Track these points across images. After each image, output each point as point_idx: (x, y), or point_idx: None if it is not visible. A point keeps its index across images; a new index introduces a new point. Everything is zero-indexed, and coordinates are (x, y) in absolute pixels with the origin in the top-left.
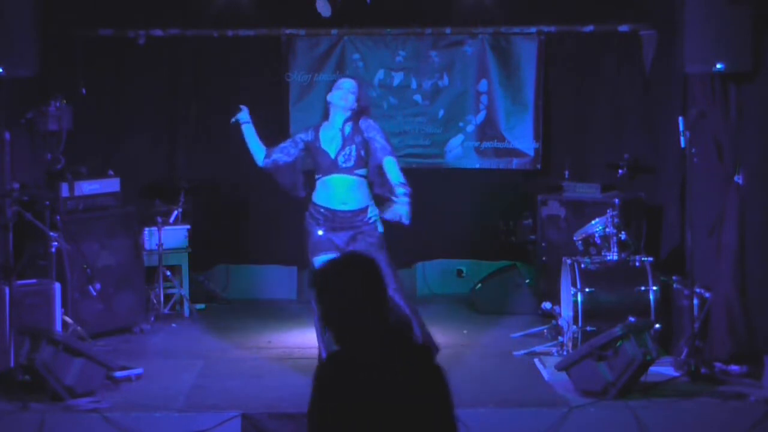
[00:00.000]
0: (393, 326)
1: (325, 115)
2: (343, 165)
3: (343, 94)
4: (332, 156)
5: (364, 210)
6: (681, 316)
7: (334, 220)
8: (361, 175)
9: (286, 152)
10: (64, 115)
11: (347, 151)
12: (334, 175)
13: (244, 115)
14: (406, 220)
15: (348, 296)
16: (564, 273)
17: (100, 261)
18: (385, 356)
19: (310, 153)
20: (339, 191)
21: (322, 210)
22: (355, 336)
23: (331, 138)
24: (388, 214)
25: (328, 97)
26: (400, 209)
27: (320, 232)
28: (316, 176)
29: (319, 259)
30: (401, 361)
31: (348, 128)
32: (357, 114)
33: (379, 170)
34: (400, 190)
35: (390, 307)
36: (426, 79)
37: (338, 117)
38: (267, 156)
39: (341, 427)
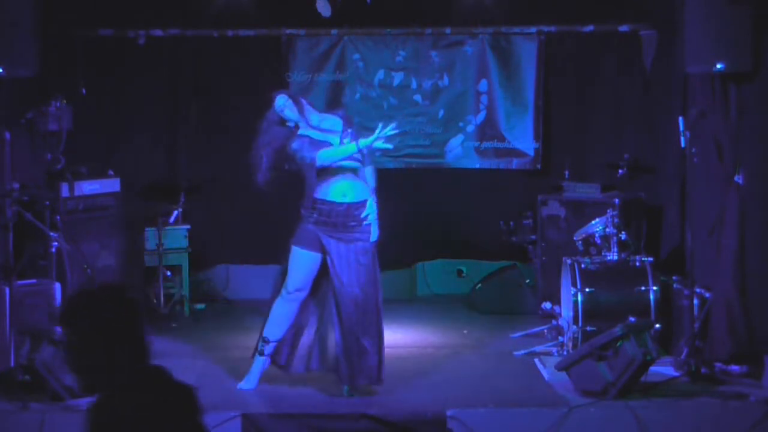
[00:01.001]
0: (151, 367)
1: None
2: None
3: (288, 116)
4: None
5: (362, 204)
6: (681, 316)
7: (330, 214)
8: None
9: None
10: (64, 115)
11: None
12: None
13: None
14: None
15: (99, 334)
16: (564, 273)
17: (100, 261)
18: (140, 402)
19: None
20: (340, 184)
21: (318, 204)
22: (108, 379)
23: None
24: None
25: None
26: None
27: (310, 227)
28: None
29: (296, 251)
30: (156, 407)
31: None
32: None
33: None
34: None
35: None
36: (426, 79)
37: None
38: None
39: None
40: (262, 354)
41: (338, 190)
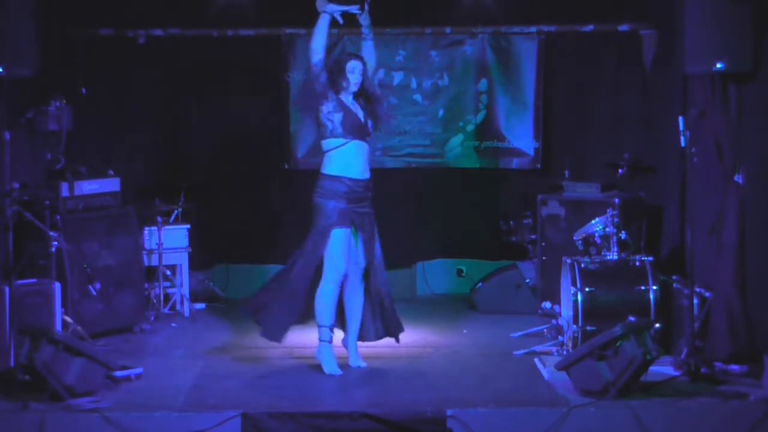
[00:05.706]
0: None
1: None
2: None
3: (356, 78)
4: (362, 119)
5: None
6: (681, 315)
7: (355, 191)
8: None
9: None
10: (64, 115)
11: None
12: (357, 141)
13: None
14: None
15: None
16: (564, 273)
17: (100, 261)
18: None
19: (332, 112)
20: (360, 159)
21: (345, 180)
22: None
23: (351, 102)
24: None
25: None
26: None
27: (340, 206)
28: (332, 146)
29: (338, 233)
30: None
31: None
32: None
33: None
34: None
35: None
36: (426, 79)
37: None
38: (322, 60)
39: None
40: (327, 341)
41: (358, 166)
